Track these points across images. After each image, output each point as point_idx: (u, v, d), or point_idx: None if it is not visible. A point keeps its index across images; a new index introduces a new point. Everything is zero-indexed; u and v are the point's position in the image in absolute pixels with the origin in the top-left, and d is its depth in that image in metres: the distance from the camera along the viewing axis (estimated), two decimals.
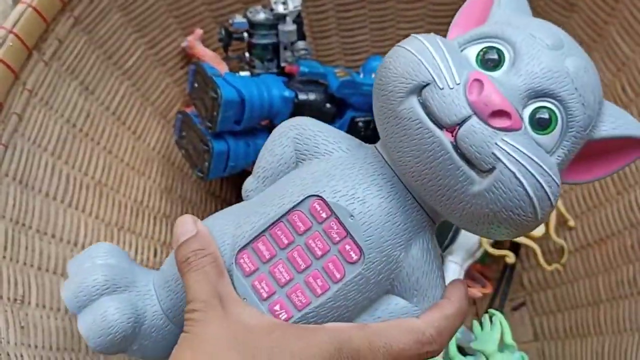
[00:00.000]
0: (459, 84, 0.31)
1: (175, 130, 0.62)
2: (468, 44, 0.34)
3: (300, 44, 0.63)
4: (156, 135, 0.63)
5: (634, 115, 0.55)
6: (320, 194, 0.35)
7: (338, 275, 0.34)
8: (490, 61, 0.33)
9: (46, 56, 0.50)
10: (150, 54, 0.62)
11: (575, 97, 0.32)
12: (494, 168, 0.31)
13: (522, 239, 0.62)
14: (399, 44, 0.34)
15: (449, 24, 0.68)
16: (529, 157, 0.31)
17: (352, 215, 0.34)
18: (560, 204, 0.63)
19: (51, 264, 0.47)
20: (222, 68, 0.64)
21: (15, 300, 0.43)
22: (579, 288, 0.61)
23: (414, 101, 0.31)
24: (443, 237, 0.61)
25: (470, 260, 0.62)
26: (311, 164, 0.37)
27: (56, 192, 0.50)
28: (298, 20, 0.62)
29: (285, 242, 0.35)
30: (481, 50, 0.33)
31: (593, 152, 0.34)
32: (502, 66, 0.33)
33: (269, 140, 0.39)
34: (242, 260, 0.35)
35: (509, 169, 0.30)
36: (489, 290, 0.64)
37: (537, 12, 0.64)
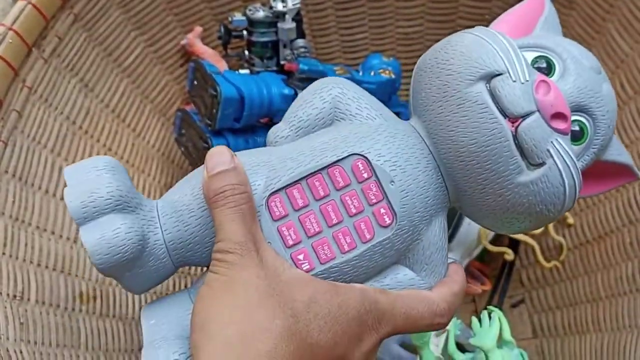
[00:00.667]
0: (528, 80, 0.33)
1: (174, 127, 0.62)
2: (522, 49, 0.36)
3: (300, 42, 0.63)
4: (156, 133, 0.63)
5: (632, 112, 0.56)
6: (365, 154, 0.35)
7: (368, 236, 0.35)
8: (541, 69, 0.36)
9: (46, 53, 0.50)
10: (150, 52, 0.62)
11: (606, 119, 0.36)
12: (543, 163, 0.33)
13: (521, 237, 0.62)
14: (467, 30, 0.36)
15: (447, 22, 0.68)
16: (573, 160, 0.34)
17: (392, 181, 0.35)
18: None
19: (50, 261, 0.47)
20: (222, 66, 0.64)
21: (15, 296, 0.43)
22: (577, 285, 0.61)
23: (482, 86, 0.33)
24: None
25: (469, 258, 0.62)
26: (351, 125, 0.37)
27: (56, 189, 0.50)
28: (297, 18, 0.63)
29: (322, 194, 0.35)
30: (536, 57, 0.36)
31: (594, 171, 0.37)
32: (552, 75, 0.35)
33: (308, 92, 0.39)
34: (273, 204, 0.35)
35: (558, 167, 0.33)
36: (488, 287, 0.64)
37: None
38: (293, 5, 0.61)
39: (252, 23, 0.62)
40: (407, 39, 0.70)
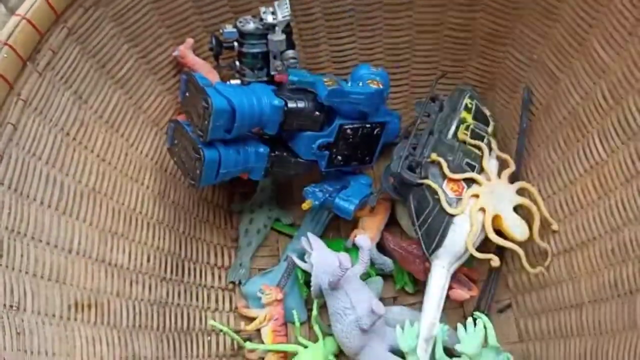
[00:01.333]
0: None
1: (167, 138, 0.63)
2: None
3: (290, 53, 0.64)
4: (149, 143, 0.64)
5: (613, 122, 0.57)
6: None
7: None
8: None
9: (40, 67, 0.51)
10: (142, 63, 0.63)
11: None
12: None
13: (507, 243, 0.63)
14: None
15: (434, 32, 0.70)
16: None
17: None
18: (543, 208, 0.64)
19: (46, 271, 0.48)
20: (213, 76, 0.65)
21: (11, 306, 0.44)
22: (562, 290, 0.62)
23: None
24: (430, 240, 0.62)
25: (457, 264, 0.63)
26: None
27: (51, 200, 0.51)
28: (287, 29, 0.64)
29: None
30: None
31: None
32: None
33: None
34: None
35: None
36: (474, 293, 0.65)
37: (521, 21, 0.65)
38: (283, 17, 0.62)
39: (242, 35, 0.63)
40: (395, 49, 0.71)
